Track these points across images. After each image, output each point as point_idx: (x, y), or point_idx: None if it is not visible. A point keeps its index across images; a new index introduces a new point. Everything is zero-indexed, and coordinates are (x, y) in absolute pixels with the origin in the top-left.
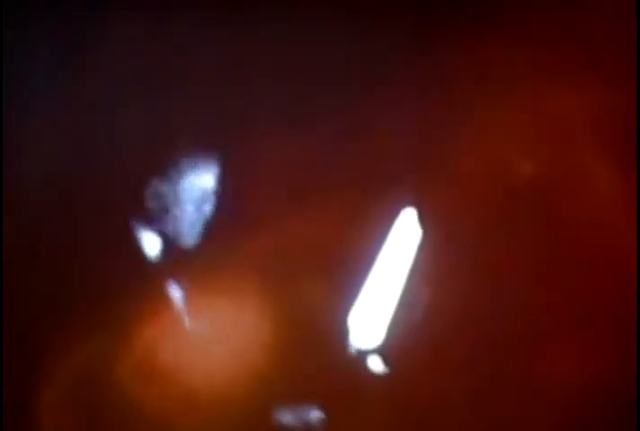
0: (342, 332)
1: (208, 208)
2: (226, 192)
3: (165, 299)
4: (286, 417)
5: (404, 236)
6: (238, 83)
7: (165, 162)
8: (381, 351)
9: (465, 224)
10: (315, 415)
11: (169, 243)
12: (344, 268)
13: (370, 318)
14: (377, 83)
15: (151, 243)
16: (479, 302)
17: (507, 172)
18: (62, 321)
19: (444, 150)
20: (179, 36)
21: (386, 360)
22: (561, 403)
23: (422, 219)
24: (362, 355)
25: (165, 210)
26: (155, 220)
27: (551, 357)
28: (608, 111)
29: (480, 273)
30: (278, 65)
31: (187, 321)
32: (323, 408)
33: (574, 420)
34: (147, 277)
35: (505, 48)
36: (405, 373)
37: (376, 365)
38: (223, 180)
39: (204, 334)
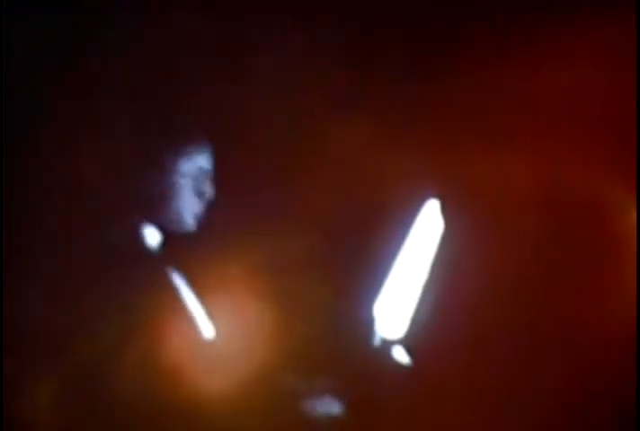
0: (367, 322)
1: (203, 196)
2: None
3: (169, 290)
4: (309, 407)
5: (428, 227)
6: (237, 80)
7: (160, 152)
8: (405, 342)
9: (486, 214)
10: (339, 406)
11: (168, 232)
12: (368, 259)
13: (395, 308)
14: (396, 77)
15: (150, 233)
16: (502, 292)
17: (526, 167)
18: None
19: (466, 143)
20: (178, 35)
21: (410, 351)
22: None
23: (445, 210)
24: (387, 345)
25: (162, 199)
26: (150, 211)
27: (572, 346)
28: (608, 111)
29: (503, 263)
30: (278, 64)
31: (196, 312)
32: (346, 398)
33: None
34: (148, 267)
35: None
36: (429, 363)
37: (400, 355)
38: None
39: (216, 325)
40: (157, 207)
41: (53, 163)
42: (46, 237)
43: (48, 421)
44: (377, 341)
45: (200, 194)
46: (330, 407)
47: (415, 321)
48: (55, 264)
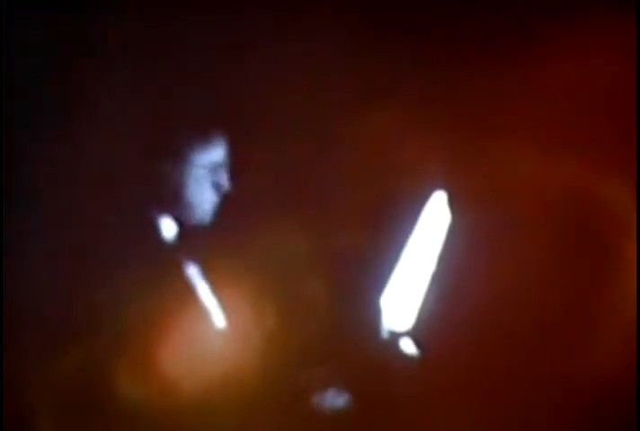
0: (375, 315)
1: (219, 188)
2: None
3: (184, 281)
4: (317, 400)
5: (435, 219)
6: (254, 70)
7: (173, 144)
8: (413, 334)
9: (494, 207)
10: (347, 399)
11: (185, 224)
12: (376, 250)
13: (403, 300)
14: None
15: (167, 225)
16: (509, 285)
17: (534, 163)
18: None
19: (474, 135)
20: (187, 27)
21: (418, 343)
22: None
23: (452, 202)
24: (395, 337)
25: (176, 191)
26: (166, 203)
27: (575, 341)
28: (609, 111)
29: (510, 256)
30: (295, 54)
31: (210, 304)
32: (354, 390)
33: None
34: (164, 258)
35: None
36: (438, 355)
37: (408, 347)
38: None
39: (228, 317)
40: (174, 200)
41: (68, 156)
42: (59, 229)
43: (53, 419)
44: (384, 333)
45: (216, 186)
46: (338, 399)
47: (423, 313)
48: (69, 256)
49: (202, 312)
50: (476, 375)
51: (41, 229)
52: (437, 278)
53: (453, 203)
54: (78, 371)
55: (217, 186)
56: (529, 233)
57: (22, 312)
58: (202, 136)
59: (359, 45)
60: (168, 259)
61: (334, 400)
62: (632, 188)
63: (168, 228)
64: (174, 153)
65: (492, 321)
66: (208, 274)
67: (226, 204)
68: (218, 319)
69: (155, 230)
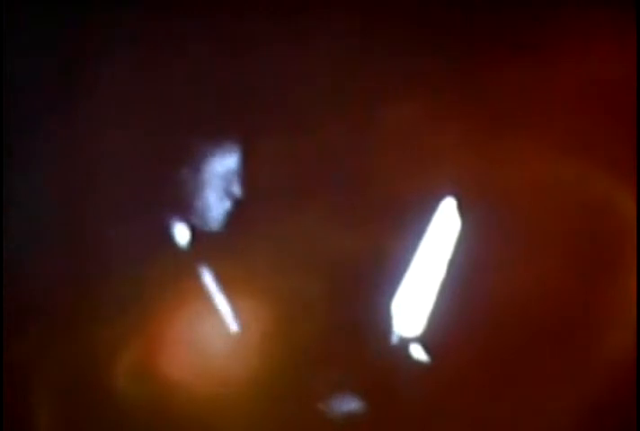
0: (385, 320)
1: (232, 193)
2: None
3: (197, 286)
4: (327, 405)
5: (445, 225)
6: (269, 77)
7: (187, 150)
8: (423, 339)
9: (504, 212)
10: (357, 403)
11: (197, 230)
12: (387, 256)
13: (413, 306)
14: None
15: (180, 231)
16: (519, 290)
17: (542, 162)
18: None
19: (484, 141)
20: (199, 31)
21: (428, 348)
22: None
23: (462, 208)
24: (405, 343)
25: (190, 197)
26: (180, 207)
27: (581, 342)
28: (609, 110)
29: (521, 261)
30: (291, 63)
31: (223, 309)
32: (364, 396)
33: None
34: (177, 264)
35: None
36: (447, 361)
37: (418, 353)
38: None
39: (236, 320)
40: (187, 206)
41: (83, 161)
42: (74, 234)
43: (52, 419)
44: (394, 339)
45: (228, 193)
46: (348, 404)
47: (433, 319)
48: (83, 262)
49: (212, 316)
50: (485, 381)
51: (44, 230)
52: (447, 284)
53: (462, 209)
54: (79, 371)
55: (229, 193)
56: (538, 237)
57: (23, 313)
58: (217, 143)
59: (370, 43)
60: (181, 264)
61: (344, 404)
62: (632, 187)
63: (182, 234)
64: (187, 160)
65: (502, 327)
66: (219, 278)
67: (238, 210)
68: (230, 322)
69: (169, 235)
